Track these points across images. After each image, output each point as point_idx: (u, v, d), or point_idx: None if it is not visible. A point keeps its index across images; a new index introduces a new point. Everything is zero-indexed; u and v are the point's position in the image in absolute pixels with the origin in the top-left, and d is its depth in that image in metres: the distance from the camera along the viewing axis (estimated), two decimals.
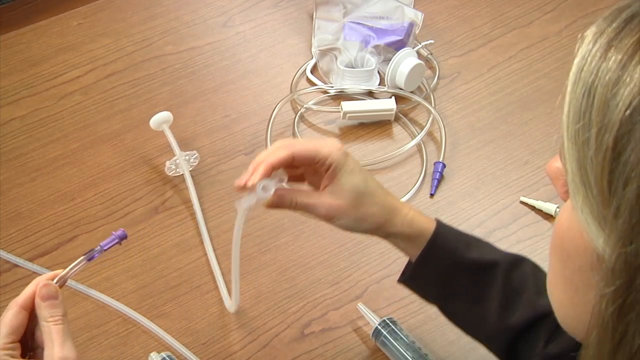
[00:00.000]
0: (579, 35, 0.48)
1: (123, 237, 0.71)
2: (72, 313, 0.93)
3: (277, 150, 0.73)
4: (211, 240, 0.99)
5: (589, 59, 0.46)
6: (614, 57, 0.44)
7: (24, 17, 1.26)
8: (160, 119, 1.06)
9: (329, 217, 0.75)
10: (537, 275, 0.77)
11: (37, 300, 0.66)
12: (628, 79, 0.43)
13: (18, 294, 0.93)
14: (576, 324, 0.51)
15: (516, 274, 0.76)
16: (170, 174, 1.05)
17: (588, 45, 0.46)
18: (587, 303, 0.46)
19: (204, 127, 1.11)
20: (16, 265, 0.97)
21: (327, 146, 0.75)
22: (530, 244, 0.99)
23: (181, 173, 1.04)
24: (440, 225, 0.78)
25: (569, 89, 0.47)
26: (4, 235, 1.00)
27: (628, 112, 0.42)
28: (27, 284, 0.94)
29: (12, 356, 0.64)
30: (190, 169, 1.05)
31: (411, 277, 0.80)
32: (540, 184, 1.05)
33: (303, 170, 0.78)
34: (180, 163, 1.04)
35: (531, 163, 1.08)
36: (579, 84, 0.46)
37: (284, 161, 0.73)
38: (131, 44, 1.22)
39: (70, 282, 0.95)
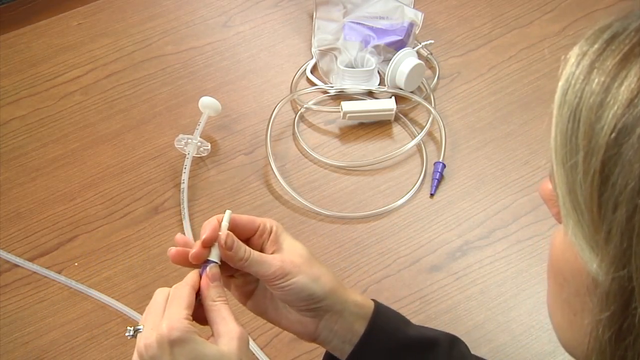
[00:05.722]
0: (562, 57, 0.47)
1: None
2: (72, 313, 0.94)
3: (217, 217, 0.71)
4: None
5: (573, 82, 0.45)
6: (597, 80, 0.44)
7: (24, 17, 1.26)
8: (209, 103, 1.08)
9: (283, 273, 0.68)
10: (471, 355, 0.76)
11: (206, 281, 0.68)
12: (612, 102, 0.42)
13: (18, 294, 0.95)
14: (577, 346, 0.51)
15: (456, 353, 0.75)
16: (176, 146, 1.07)
17: (571, 67, 0.46)
18: (586, 326, 0.45)
19: (204, 127, 1.11)
20: (16, 265, 0.97)
21: (263, 218, 0.73)
22: (530, 244, 0.99)
23: (185, 153, 1.06)
24: (378, 303, 0.74)
25: (555, 112, 0.46)
26: (4, 235, 1.00)
27: (613, 135, 0.42)
28: (27, 284, 0.96)
29: (193, 331, 0.64)
30: (195, 155, 1.06)
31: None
32: (540, 184, 1.05)
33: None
34: (191, 144, 1.06)
35: (531, 163, 1.08)
36: (564, 107, 0.45)
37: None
38: (131, 44, 1.22)
39: (70, 282, 0.95)
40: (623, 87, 0.42)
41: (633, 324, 0.42)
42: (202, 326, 0.67)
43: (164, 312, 0.66)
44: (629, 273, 0.41)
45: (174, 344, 0.62)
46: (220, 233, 0.70)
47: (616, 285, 0.42)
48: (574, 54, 0.46)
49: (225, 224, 0.71)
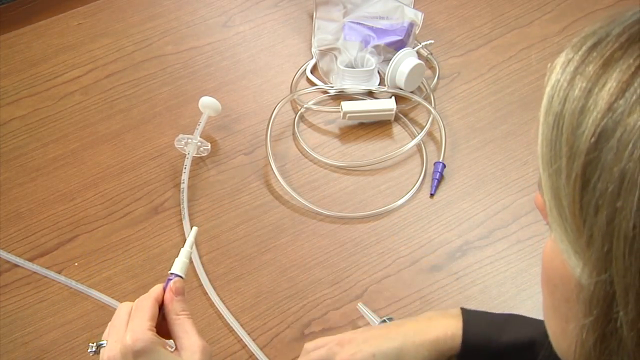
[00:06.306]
0: (549, 65, 0.48)
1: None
2: (72, 313, 0.94)
3: None
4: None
5: (558, 89, 0.46)
6: (579, 85, 0.44)
7: (24, 17, 1.26)
8: (209, 103, 1.08)
9: None
10: None
11: (170, 295, 0.68)
12: (592, 106, 0.43)
13: (18, 294, 0.95)
14: (571, 353, 0.50)
15: None
16: (176, 145, 1.06)
17: (557, 75, 0.46)
18: (572, 332, 0.46)
19: (204, 127, 1.11)
20: (16, 265, 0.97)
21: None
22: (530, 244, 0.99)
23: (185, 153, 1.05)
24: (466, 315, 0.77)
25: (541, 119, 0.47)
26: (4, 235, 1.00)
27: (593, 139, 0.42)
28: (27, 284, 0.96)
29: (158, 342, 0.65)
30: (195, 155, 1.06)
31: None
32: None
33: None
34: (191, 144, 1.05)
35: (531, 163, 1.08)
36: (549, 113, 0.46)
37: None
38: (131, 44, 1.22)
39: (70, 282, 0.95)
40: (603, 92, 0.43)
41: (615, 329, 0.42)
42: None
43: (128, 325, 0.66)
44: (610, 277, 0.41)
45: (138, 355, 0.63)
46: (183, 249, 0.72)
47: (598, 289, 0.42)
48: (559, 61, 0.47)
49: (190, 241, 0.72)
